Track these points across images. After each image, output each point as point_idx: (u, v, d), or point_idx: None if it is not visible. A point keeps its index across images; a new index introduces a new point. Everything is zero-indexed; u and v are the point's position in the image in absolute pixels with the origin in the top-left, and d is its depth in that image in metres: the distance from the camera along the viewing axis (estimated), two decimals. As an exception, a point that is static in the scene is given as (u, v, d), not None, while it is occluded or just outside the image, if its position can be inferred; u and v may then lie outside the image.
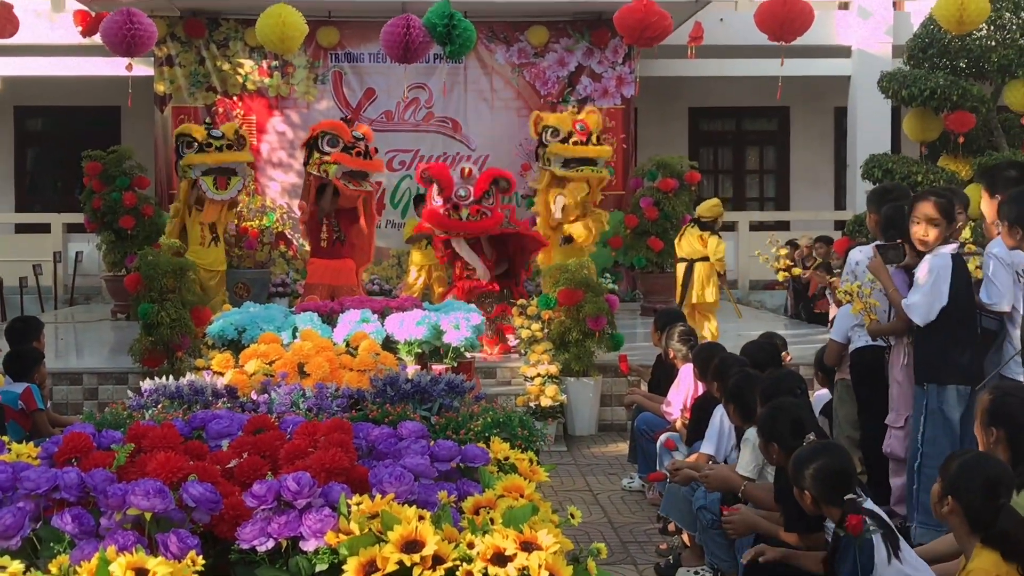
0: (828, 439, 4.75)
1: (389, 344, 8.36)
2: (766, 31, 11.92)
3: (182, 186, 13.63)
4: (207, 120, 14.24)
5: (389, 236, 16.26)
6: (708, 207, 11.57)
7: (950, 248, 5.84)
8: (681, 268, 11.58)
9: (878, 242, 6.31)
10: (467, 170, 12.23)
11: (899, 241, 6.07)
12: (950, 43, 15.05)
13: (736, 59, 17.88)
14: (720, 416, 6.12)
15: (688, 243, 11.53)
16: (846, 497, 4.11)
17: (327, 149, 12.25)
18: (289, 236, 16.25)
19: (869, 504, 4.27)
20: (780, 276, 8.10)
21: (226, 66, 16.44)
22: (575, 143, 13.52)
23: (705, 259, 11.37)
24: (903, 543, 4.18)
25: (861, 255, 6.59)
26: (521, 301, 11.14)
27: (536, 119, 14.22)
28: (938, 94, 14.34)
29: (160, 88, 16.49)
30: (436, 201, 11.68)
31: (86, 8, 15.66)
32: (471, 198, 11.65)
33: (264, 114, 16.60)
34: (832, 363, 7.06)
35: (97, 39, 12.66)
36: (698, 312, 11.42)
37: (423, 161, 16.48)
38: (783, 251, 8.12)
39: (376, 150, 12.96)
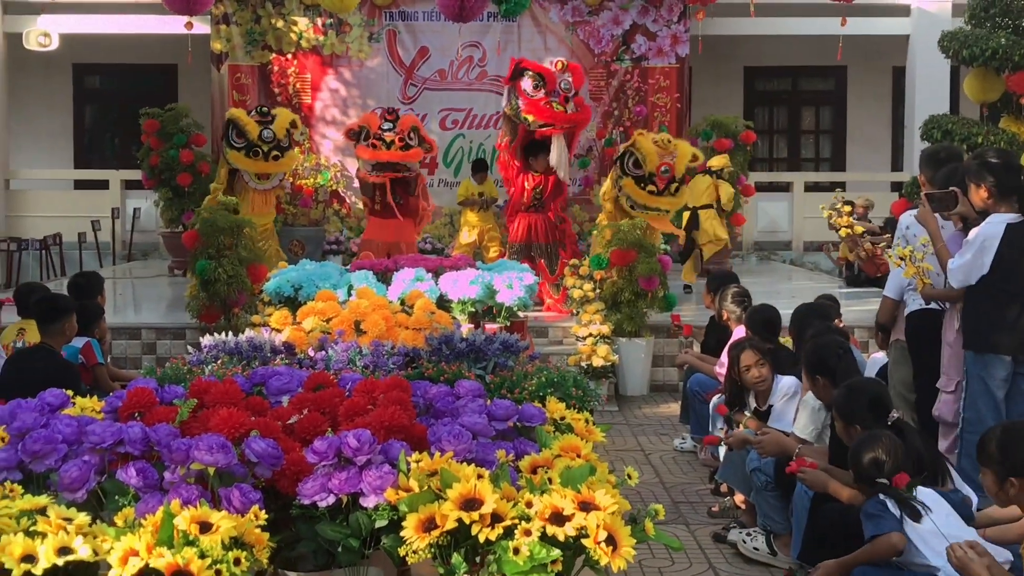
0: (892, 423, 4.85)
1: (443, 303, 8.39)
2: (828, -13, 11.73)
3: (221, 172, 12.84)
4: (262, 108, 12.98)
5: (441, 195, 16.26)
6: (722, 160, 13.96)
7: (1009, 217, 5.75)
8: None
9: (928, 191, 6.22)
10: (560, 63, 11.83)
11: (951, 189, 5.96)
12: (1012, 2, 14.73)
13: (792, 17, 17.66)
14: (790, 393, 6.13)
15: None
16: (877, 480, 4.49)
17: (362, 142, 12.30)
18: (343, 194, 16.33)
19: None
20: (843, 232, 7.93)
21: (280, 24, 16.46)
22: (651, 192, 11.33)
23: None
24: (943, 511, 4.39)
25: (912, 219, 6.50)
26: (573, 261, 11.12)
27: (635, 136, 11.85)
28: (1000, 54, 14.05)
29: (216, 46, 16.54)
30: (533, 95, 11.37)
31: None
32: (573, 89, 11.46)
33: (318, 72, 16.63)
34: (885, 320, 6.93)
35: (155, -3, 12.65)
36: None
37: (476, 120, 16.50)
38: (847, 208, 7.98)
39: (427, 135, 12.76)
